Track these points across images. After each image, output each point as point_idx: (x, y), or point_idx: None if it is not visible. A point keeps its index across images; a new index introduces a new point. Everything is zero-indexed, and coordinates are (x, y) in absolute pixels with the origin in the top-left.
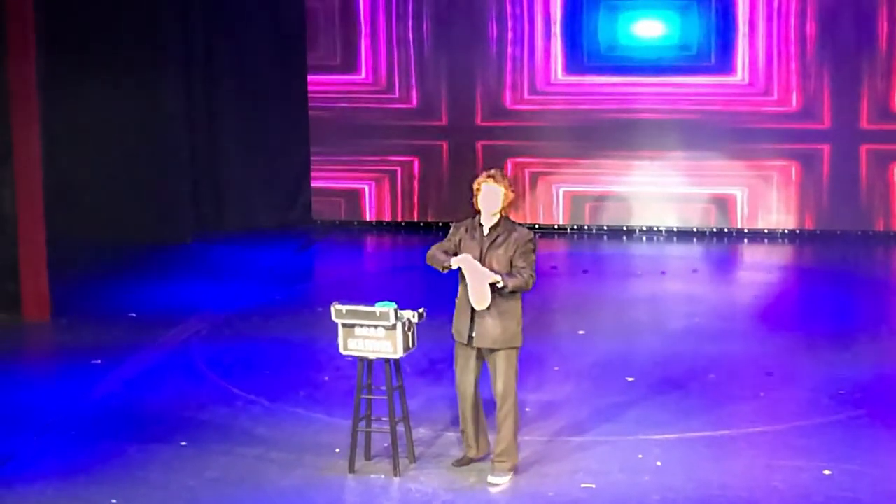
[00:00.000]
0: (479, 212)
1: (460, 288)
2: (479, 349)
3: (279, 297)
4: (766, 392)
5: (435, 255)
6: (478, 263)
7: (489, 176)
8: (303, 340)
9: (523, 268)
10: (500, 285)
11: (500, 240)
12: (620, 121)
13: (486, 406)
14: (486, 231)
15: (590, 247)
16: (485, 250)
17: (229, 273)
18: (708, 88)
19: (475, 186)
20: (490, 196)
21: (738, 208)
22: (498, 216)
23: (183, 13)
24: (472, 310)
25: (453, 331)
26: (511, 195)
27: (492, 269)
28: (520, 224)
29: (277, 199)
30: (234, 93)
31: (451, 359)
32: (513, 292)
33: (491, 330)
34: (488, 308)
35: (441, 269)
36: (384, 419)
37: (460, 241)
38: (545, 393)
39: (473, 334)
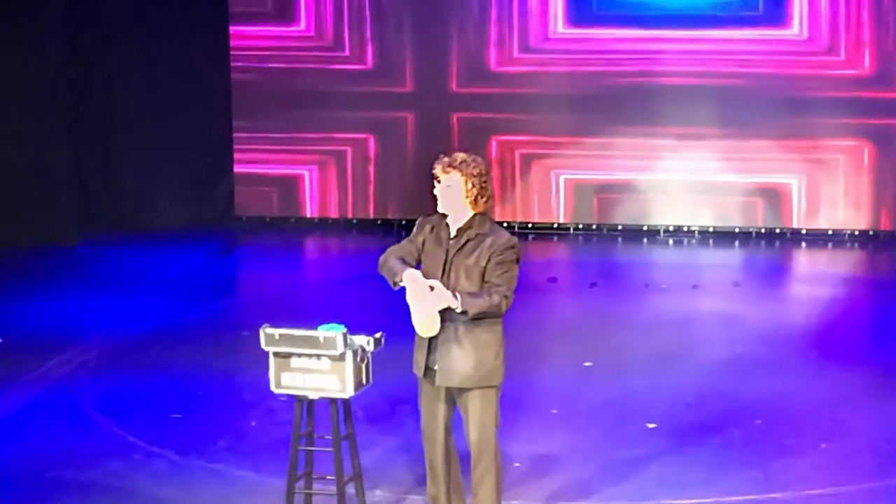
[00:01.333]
0: None
1: None
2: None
3: (192, 317)
4: (830, 443)
5: (387, 262)
6: (423, 281)
7: (445, 162)
8: (223, 374)
9: (497, 285)
10: (457, 310)
11: (469, 245)
12: (639, 87)
13: (463, 460)
14: (452, 233)
15: (599, 252)
16: (450, 258)
17: (127, 285)
18: (754, 46)
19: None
20: (446, 190)
21: (793, 203)
22: (469, 214)
23: None
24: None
25: (414, 365)
26: (474, 190)
27: (457, 284)
28: (503, 224)
29: (189, 189)
30: (133, 53)
31: (417, 399)
32: (479, 318)
33: (458, 364)
34: (456, 335)
35: (392, 285)
36: (329, 478)
37: (424, 242)
38: (539, 444)
39: (436, 367)
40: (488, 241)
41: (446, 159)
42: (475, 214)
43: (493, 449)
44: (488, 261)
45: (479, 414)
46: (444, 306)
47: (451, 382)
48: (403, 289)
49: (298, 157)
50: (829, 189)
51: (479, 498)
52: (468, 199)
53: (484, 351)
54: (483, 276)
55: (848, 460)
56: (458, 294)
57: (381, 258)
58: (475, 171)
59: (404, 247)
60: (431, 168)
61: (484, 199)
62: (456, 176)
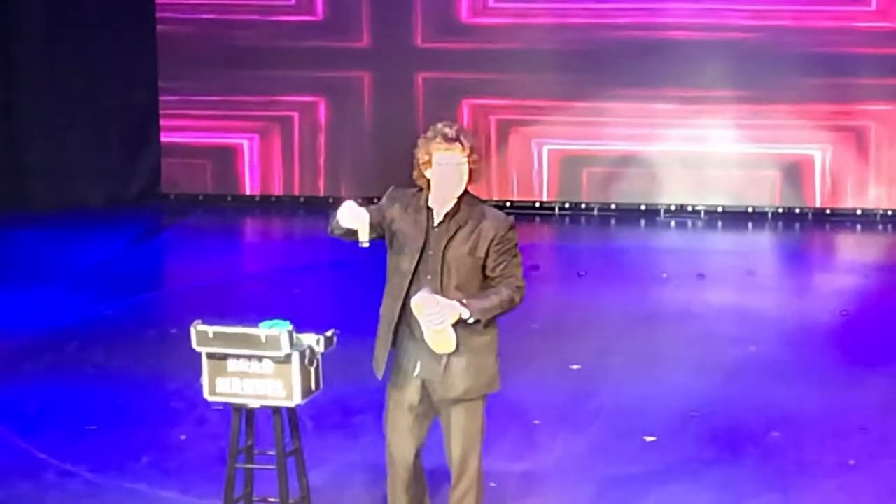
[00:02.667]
0: (422, 188)
1: (386, 296)
2: (422, 394)
3: (110, 312)
4: (860, 459)
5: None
6: (427, 293)
7: (450, 137)
8: (146, 379)
9: (508, 277)
10: (469, 320)
11: (461, 234)
12: (637, 42)
13: (432, 480)
14: (437, 218)
15: (590, 236)
16: (439, 247)
17: (33, 275)
18: None
19: (422, 152)
20: (452, 172)
21: (816, 178)
22: (456, 196)
23: None
24: (409, 332)
25: (373, 364)
26: (472, 167)
27: (450, 280)
28: (486, 202)
29: (107, 162)
30: (41, 7)
31: (378, 407)
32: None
33: (459, 374)
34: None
35: (334, 231)
36: (272, 500)
37: (393, 221)
38: (521, 460)
39: (418, 374)
40: (484, 226)
41: (458, 131)
42: (462, 196)
43: (476, 465)
44: (487, 252)
45: (464, 426)
46: (455, 320)
47: (455, 393)
48: (372, 278)
49: (236, 125)
50: (859, 162)
51: None
52: (465, 178)
53: (484, 356)
54: (483, 268)
55: (880, 479)
56: (463, 301)
57: (333, 220)
58: (475, 144)
59: (369, 211)
60: (414, 139)
61: (475, 176)
62: (465, 154)
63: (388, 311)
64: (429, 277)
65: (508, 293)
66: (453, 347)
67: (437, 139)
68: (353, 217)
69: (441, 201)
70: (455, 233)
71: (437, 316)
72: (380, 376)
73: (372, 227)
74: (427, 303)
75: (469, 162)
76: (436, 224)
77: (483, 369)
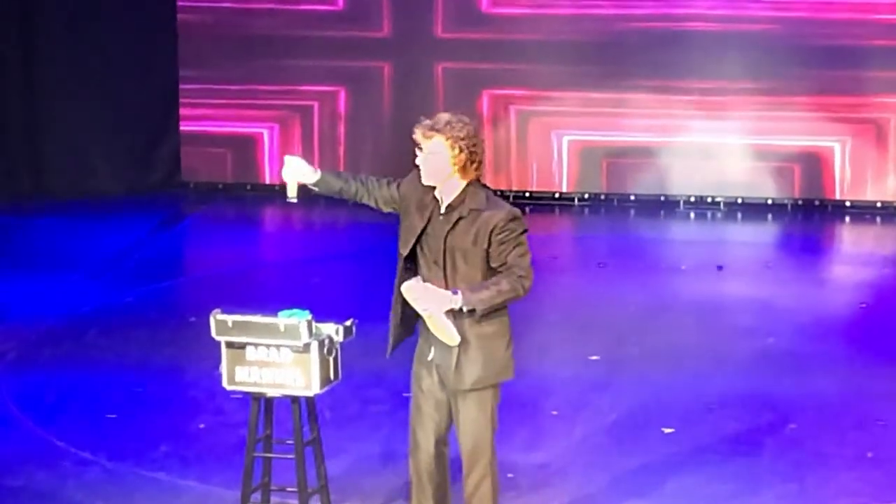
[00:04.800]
0: None
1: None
2: (441, 380)
3: (130, 301)
4: (877, 451)
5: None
6: (416, 281)
7: (426, 126)
8: (165, 367)
9: (509, 267)
10: (463, 309)
11: (463, 224)
12: (657, 34)
13: (455, 467)
14: (442, 209)
15: (609, 227)
16: (440, 236)
17: (53, 263)
18: None
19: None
20: (429, 158)
21: (835, 170)
22: (460, 185)
23: None
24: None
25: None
26: (462, 156)
27: (455, 272)
28: (496, 194)
29: (126, 151)
30: None
31: (397, 397)
32: (489, 312)
33: (468, 365)
34: (459, 331)
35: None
36: (290, 490)
37: (403, 203)
38: (537, 451)
39: (436, 363)
40: (484, 217)
41: (427, 122)
42: (468, 185)
43: (488, 455)
44: (489, 243)
45: (474, 416)
46: (446, 308)
47: (462, 385)
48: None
49: (256, 114)
50: (878, 154)
51: None
52: (456, 167)
53: (493, 344)
54: (487, 257)
55: None
56: (458, 291)
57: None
58: (462, 134)
59: (380, 185)
60: (412, 133)
61: (474, 166)
62: (439, 140)
63: (396, 292)
64: (432, 265)
65: (509, 283)
66: (455, 338)
67: (418, 127)
68: (287, 172)
69: (441, 190)
70: (456, 222)
71: (420, 302)
72: (387, 355)
73: (385, 200)
74: (412, 289)
75: (446, 151)
76: (441, 213)
77: (493, 358)
